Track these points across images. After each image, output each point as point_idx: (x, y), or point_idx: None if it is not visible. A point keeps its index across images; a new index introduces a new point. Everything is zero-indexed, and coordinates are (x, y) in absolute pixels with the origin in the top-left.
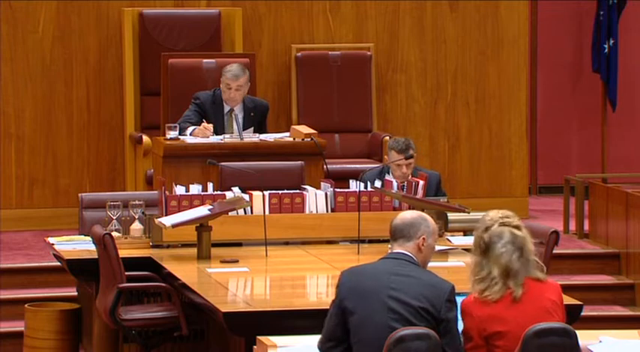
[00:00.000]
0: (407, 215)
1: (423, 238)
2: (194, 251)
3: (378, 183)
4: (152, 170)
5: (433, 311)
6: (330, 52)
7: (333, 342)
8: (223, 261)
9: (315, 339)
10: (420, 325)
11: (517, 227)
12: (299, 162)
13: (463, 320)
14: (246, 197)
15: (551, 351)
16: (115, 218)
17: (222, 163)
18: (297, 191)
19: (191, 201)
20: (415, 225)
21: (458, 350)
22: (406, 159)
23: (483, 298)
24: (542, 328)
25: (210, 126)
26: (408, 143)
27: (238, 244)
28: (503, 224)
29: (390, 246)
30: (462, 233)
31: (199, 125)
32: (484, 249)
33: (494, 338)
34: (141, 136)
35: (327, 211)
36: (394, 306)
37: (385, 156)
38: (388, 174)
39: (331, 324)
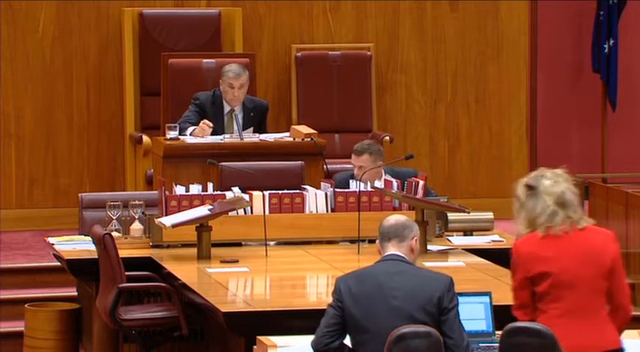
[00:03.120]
0: (398, 217)
1: (415, 239)
2: (194, 251)
3: (378, 184)
4: (152, 170)
5: (436, 302)
6: (330, 52)
7: (330, 334)
8: (223, 261)
9: None
10: (424, 320)
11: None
12: (299, 162)
13: (511, 262)
14: (246, 197)
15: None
16: (115, 218)
17: (222, 163)
18: (297, 191)
19: (191, 201)
20: (408, 227)
21: (462, 335)
22: (355, 154)
23: (545, 232)
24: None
25: (210, 123)
26: (363, 146)
27: (238, 244)
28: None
29: (382, 250)
30: (462, 233)
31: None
32: (530, 190)
33: (538, 280)
34: (141, 136)
35: (327, 211)
36: (398, 305)
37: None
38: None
39: (329, 320)
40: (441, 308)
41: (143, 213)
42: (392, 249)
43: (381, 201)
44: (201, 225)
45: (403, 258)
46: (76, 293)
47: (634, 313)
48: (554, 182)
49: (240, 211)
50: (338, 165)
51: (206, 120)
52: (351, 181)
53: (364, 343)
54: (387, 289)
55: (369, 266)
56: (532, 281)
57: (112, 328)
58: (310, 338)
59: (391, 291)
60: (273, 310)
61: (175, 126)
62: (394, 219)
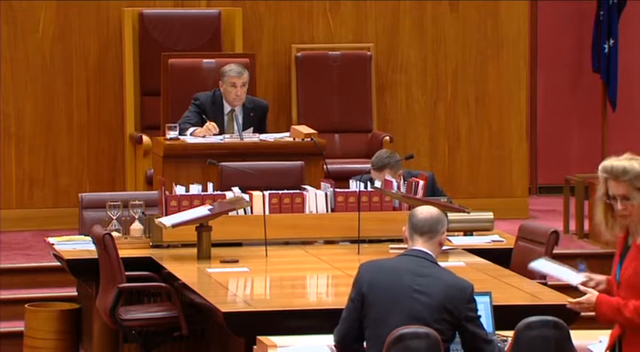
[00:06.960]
0: (431, 210)
1: (445, 234)
2: (194, 251)
3: (377, 183)
4: (152, 170)
5: (455, 311)
6: (330, 52)
7: (352, 338)
8: (223, 261)
9: (314, 339)
10: (439, 326)
11: None
12: (299, 162)
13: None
14: (246, 197)
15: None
16: (115, 218)
17: (222, 163)
18: (297, 191)
19: (191, 201)
20: (441, 221)
21: (487, 338)
22: (376, 170)
23: None
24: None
25: (215, 126)
26: (381, 160)
27: (238, 244)
28: None
29: (409, 240)
30: (462, 233)
31: (199, 126)
32: None
33: None
34: (141, 136)
35: (327, 211)
36: (417, 307)
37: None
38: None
39: (351, 320)
40: (459, 317)
41: (143, 213)
42: (420, 244)
43: (381, 201)
44: (201, 225)
45: (429, 255)
46: (76, 293)
47: None
48: None
49: (240, 211)
50: (338, 165)
51: (213, 123)
52: (350, 181)
53: (373, 337)
54: (408, 290)
55: (392, 260)
56: None
57: (112, 328)
58: (310, 338)
59: (412, 293)
60: (273, 310)
61: (175, 126)
62: (427, 211)
